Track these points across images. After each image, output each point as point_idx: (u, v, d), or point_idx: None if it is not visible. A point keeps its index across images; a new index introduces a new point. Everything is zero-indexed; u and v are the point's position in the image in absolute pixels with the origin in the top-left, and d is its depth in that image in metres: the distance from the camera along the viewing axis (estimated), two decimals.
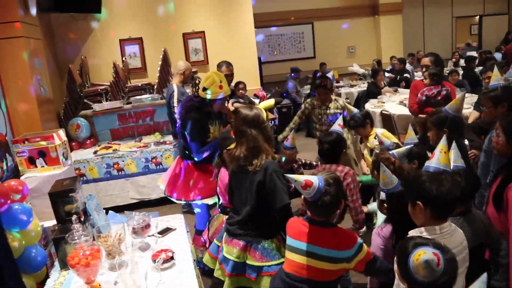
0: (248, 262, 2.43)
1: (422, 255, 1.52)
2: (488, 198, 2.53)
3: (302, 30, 11.71)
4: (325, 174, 2.08)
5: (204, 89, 3.32)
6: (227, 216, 2.75)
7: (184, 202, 3.79)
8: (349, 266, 2.10)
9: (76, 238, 2.18)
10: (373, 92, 7.70)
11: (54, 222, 3.50)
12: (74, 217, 2.30)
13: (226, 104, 3.68)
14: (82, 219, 2.58)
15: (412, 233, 1.96)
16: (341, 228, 2.17)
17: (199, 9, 7.13)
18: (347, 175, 2.96)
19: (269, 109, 3.84)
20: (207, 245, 3.11)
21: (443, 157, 2.22)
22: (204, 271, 3.20)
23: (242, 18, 7.33)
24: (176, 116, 3.68)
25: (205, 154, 3.41)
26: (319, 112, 4.49)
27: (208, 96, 3.33)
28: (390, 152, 2.87)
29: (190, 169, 3.60)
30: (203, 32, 7.17)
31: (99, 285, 1.98)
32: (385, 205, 2.47)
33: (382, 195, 2.48)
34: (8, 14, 4.43)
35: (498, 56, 9.49)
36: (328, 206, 2.04)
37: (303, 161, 3.83)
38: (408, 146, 2.99)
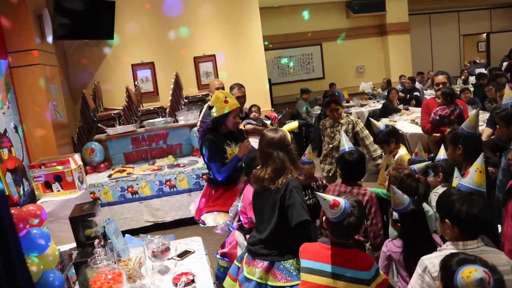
0: (269, 283, 2.40)
1: (473, 272, 1.48)
2: (505, 215, 2.50)
3: (311, 51, 11.82)
4: (348, 197, 2.13)
5: (210, 107, 3.41)
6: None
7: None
8: None
9: (98, 262, 2.18)
10: (390, 109, 7.76)
11: (70, 246, 3.53)
12: (96, 241, 2.30)
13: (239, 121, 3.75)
14: (101, 243, 2.59)
15: (442, 247, 1.95)
16: (359, 250, 2.20)
17: (209, 33, 7.24)
18: (369, 198, 2.93)
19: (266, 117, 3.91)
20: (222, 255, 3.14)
21: (478, 176, 2.13)
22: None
23: (251, 41, 7.43)
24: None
25: (226, 173, 3.48)
26: (331, 131, 4.50)
27: (215, 114, 3.42)
28: (411, 167, 2.88)
29: (212, 194, 3.71)
30: (214, 55, 7.27)
31: None
32: (399, 224, 2.48)
33: (395, 215, 2.49)
34: (26, 43, 4.54)
35: None
36: (352, 227, 2.08)
37: (322, 182, 3.81)
38: (427, 162, 3.02)
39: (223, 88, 5.12)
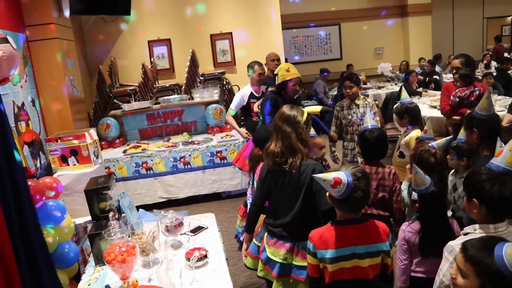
0: (295, 263, 2.38)
1: None
2: None
3: (329, 31, 11.63)
4: (350, 168, 1.98)
5: (275, 75, 4.08)
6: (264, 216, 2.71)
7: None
8: (387, 262, 2.06)
9: (112, 234, 2.20)
10: (409, 92, 7.60)
11: (85, 219, 3.58)
12: (111, 214, 2.32)
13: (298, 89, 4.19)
14: (116, 216, 2.61)
15: (466, 229, 1.91)
16: (372, 220, 2.08)
17: (226, 11, 7.15)
18: (394, 175, 2.86)
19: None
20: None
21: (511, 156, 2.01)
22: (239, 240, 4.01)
23: (269, 19, 7.32)
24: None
25: None
26: (348, 113, 4.37)
27: (279, 80, 4.04)
28: (430, 144, 2.82)
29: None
30: (231, 33, 7.19)
31: (136, 281, 1.99)
32: (417, 205, 2.43)
33: (414, 195, 2.44)
34: (44, 17, 4.55)
35: None
36: (360, 201, 1.96)
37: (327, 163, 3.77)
38: (448, 138, 2.94)
39: (278, 60, 5.90)
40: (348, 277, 2.02)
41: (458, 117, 4.41)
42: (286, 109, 2.47)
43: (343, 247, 2.00)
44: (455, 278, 1.61)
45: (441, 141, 2.84)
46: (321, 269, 2.08)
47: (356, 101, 4.33)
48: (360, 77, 4.83)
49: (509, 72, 7.93)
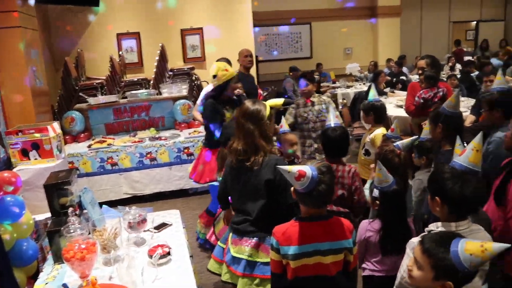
0: (260, 260, 2.37)
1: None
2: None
3: (300, 30, 11.70)
4: (315, 163, 1.98)
5: (214, 77, 3.86)
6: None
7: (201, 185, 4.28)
8: (349, 259, 2.07)
9: (72, 231, 2.14)
10: (376, 92, 7.73)
11: (46, 215, 3.47)
12: (70, 210, 2.25)
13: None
14: (77, 212, 2.54)
15: (430, 227, 1.94)
16: (337, 217, 2.08)
17: (197, 6, 7.09)
18: (354, 174, 2.89)
19: None
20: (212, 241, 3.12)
21: (474, 155, 2.02)
22: (205, 248, 3.90)
23: (240, 16, 7.30)
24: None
25: None
26: (304, 110, 4.39)
27: (217, 82, 3.87)
28: (395, 144, 2.88)
29: (208, 155, 4.02)
30: (201, 28, 7.13)
31: (96, 279, 1.94)
32: (377, 202, 2.47)
33: (375, 192, 2.47)
34: (6, 3, 4.38)
35: (495, 62, 9.53)
36: (323, 195, 1.94)
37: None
38: (414, 138, 3.02)
39: (251, 56, 5.73)
40: (311, 274, 2.02)
41: (424, 122, 4.52)
42: (249, 104, 2.44)
43: (307, 243, 1.99)
44: (411, 270, 1.64)
45: (406, 141, 2.91)
46: (284, 265, 2.07)
47: (312, 99, 4.38)
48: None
49: (472, 74, 8.18)
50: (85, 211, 2.65)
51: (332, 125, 3.10)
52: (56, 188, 2.55)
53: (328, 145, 3.05)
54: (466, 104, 5.95)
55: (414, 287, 1.75)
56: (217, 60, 5.00)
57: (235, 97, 4.08)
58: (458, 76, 8.32)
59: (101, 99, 5.84)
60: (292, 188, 2.03)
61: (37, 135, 3.84)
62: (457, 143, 2.38)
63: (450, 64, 10.54)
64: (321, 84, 9.44)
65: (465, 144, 3.32)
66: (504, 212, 2.32)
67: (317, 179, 1.90)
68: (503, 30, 14.29)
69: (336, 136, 2.99)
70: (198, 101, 5.16)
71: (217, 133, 3.78)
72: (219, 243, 2.70)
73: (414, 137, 3.09)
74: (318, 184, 1.91)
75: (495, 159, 2.83)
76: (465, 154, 2.05)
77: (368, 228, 2.41)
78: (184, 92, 6.18)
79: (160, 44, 6.46)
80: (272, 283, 2.21)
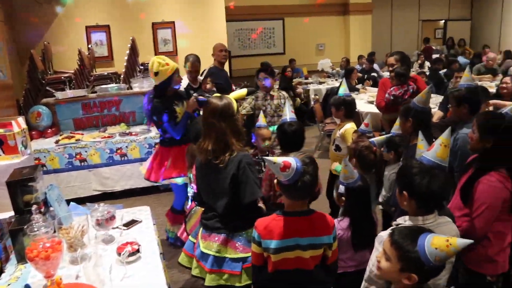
0: (230, 256, 2.34)
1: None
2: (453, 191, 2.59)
3: (273, 25, 11.69)
4: (298, 155, 2.01)
5: (155, 74, 3.55)
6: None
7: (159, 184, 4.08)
8: (328, 253, 2.09)
9: (35, 229, 2.06)
10: (348, 88, 7.80)
11: (9, 214, 3.33)
12: (34, 207, 2.17)
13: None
14: (42, 210, 2.45)
15: (398, 220, 1.97)
16: (320, 213, 2.10)
17: None
18: None
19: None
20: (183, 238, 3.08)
21: (442, 150, 2.05)
22: (176, 246, 3.74)
23: (213, 10, 7.23)
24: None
25: (182, 130, 3.67)
26: (262, 103, 4.40)
27: (158, 80, 3.58)
28: (371, 140, 2.91)
29: (165, 152, 3.84)
30: (173, 22, 7.02)
31: (60, 279, 1.87)
32: (343, 198, 2.49)
33: (341, 188, 2.49)
34: None
35: (462, 60, 9.77)
36: (308, 186, 1.95)
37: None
38: (388, 135, 3.06)
39: (226, 50, 5.56)
40: (290, 267, 2.05)
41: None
42: (217, 101, 2.37)
43: (288, 238, 2.01)
44: (380, 261, 1.67)
45: (381, 138, 2.96)
46: (265, 258, 2.09)
47: (271, 93, 4.41)
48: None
49: (440, 72, 8.36)
50: (51, 208, 2.57)
51: (288, 120, 3.13)
52: (19, 185, 2.45)
53: (284, 140, 3.10)
54: (434, 101, 6.07)
55: (381, 279, 1.78)
56: (187, 56, 4.93)
57: (205, 95, 3.92)
58: (427, 73, 8.51)
59: (69, 93, 5.69)
60: (275, 181, 2.04)
61: (1, 130, 3.69)
62: (419, 138, 2.43)
63: (419, 61, 10.75)
64: (294, 80, 9.46)
65: (434, 140, 3.42)
66: (470, 210, 2.37)
67: (301, 170, 1.93)
68: (469, 29, 14.69)
69: (292, 131, 3.04)
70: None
71: (176, 135, 3.69)
72: (190, 237, 2.68)
73: (389, 134, 3.15)
74: (303, 175, 1.93)
75: (463, 155, 2.89)
76: (433, 149, 2.08)
77: (338, 227, 2.42)
78: None
79: (131, 38, 6.32)
80: (252, 274, 2.23)
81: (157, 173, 3.83)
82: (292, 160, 1.93)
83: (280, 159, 1.92)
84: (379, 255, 1.69)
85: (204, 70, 5.47)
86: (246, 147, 2.46)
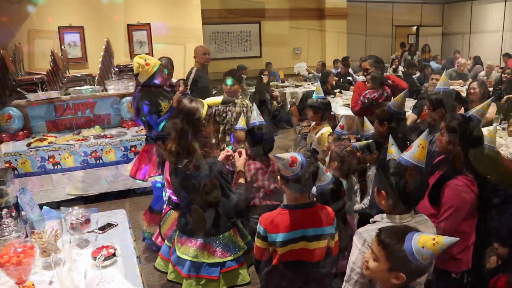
0: (207, 261, 2.30)
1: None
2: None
3: (249, 29, 11.72)
4: (298, 149, 2.13)
5: (137, 75, 3.70)
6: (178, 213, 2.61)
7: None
8: (331, 245, 2.21)
9: (6, 234, 2.00)
10: (324, 92, 7.88)
11: None
12: (4, 211, 2.11)
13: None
14: (13, 214, 2.38)
15: (376, 218, 2.00)
16: (321, 205, 2.24)
17: (145, 1, 6.92)
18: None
19: None
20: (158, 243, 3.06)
21: (420, 152, 2.15)
22: (152, 250, 3.77)
23: (189, 13, 7.20)
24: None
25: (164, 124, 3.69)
26: (223, 110, 4.07)
27: (142, 79, 3.68)
28: (353, 144, 2.95)
29: (150, 149, 3.88)
30: (149, 24, 6.96)
31: (33, 284, 1.82)
32: (314, 199, 2.52)
33: (313, 190, 2.52)
34: None
35: (434, 65, 10.02)
36: (311, 178, 2.11)
37: None
38: (369, 141, 3.12)
39: (209, 54, 5.55)
40: (295, 259, 2.15)
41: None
42: (186, 102, 2.32)
43: (294, 230, 2.12)
44: (368, 261, 1.69)
45: (362, 143, 3.01)
46: (270, 252, 2.18)
47: (235, 100, 4.09)
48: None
49: (414, 76, 8.54)
50: (22, 212, 2.50)
51: (257, 123, 3.14)
52: None
53: (254, 143, 3.10)
54: (407, 105, 6.19)
55: (368, 278, 1.80)
56: (160, 59, 4.84)
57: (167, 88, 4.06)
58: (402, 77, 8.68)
59: (42, 95, 5.56)
60: (278, 177, 2.18)
61: None
62: (390, 142, 2.48)
63: (393, 66, 10.95)
64: (271, 83, 9.49)
65: (408, 143, 3.48)
66: (437, 212, 2.42)
67: (306, 163, 2.08)
68: (441, 34, 15.10)
69: (262, 134, 3.06)
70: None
71: (156, 126, 3.75)
72: (166, 242, 2.63)
73: (370, 140, 3.20)
74: (308, 166, 2.09)
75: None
76: (411, 150, 2.17)
77: None
78: (131, 89, 5.98)
79: (106, 39, 6.23)
80: (256, 268, 2.34)
81: (143, 171, 3.88)
82: (297, 155, 2.08)
83: (287, 155, 2.06)
84: (367, 255, 1.71)
85: (190, 73, 5.42)
86: (216, 153, 2.44)
